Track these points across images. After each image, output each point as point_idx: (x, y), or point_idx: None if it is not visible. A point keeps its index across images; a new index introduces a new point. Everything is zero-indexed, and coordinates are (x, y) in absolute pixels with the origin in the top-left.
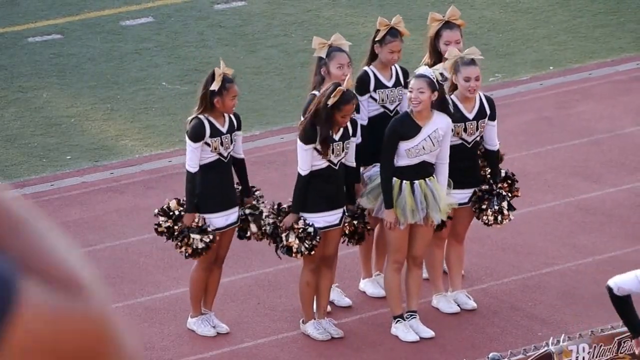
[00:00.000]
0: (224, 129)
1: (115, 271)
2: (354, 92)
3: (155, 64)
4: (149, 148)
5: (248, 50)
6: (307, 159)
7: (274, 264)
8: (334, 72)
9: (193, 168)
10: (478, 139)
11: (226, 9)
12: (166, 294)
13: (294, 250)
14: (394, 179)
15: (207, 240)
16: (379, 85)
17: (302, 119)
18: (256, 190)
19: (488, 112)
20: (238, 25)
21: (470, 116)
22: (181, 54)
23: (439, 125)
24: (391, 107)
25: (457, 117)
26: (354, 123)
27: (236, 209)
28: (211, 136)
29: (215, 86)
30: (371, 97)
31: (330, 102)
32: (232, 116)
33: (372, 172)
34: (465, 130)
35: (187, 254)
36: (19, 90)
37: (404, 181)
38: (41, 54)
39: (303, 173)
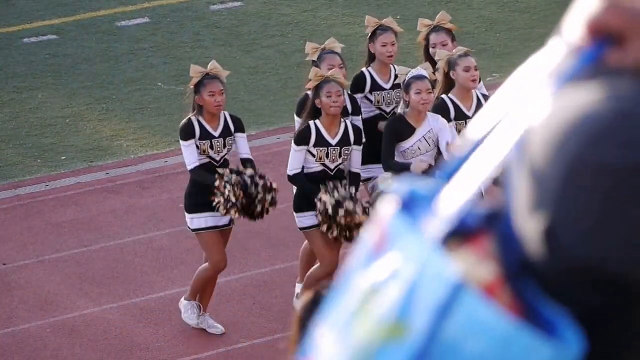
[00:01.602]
0: (216, 133)
1: (111, 272)
2: (349, 92)
3: (151, 65)
4: (145, 149)
5: (244, 50)
6: (294, 161)
7: (270, 265)
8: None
9: (191, 165)
10: None
11: (222, 9)
12: (161, 294)
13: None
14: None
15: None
16: (376, 87)
17: (296, 118)
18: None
19: None
20: (234, 25)
21: (470, 114)
22: (177, 55)
23: (433, 125)
24: (388, 110)
25: (458, 115)
26: (357, 130)
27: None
28: (200, 138)
29: (191, 84)
30: (367, 98)
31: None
32: (229, 120)
33: (376, 182)
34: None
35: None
36: (14, 90)
37: None
38: (36, 54)
39: (290, 173)
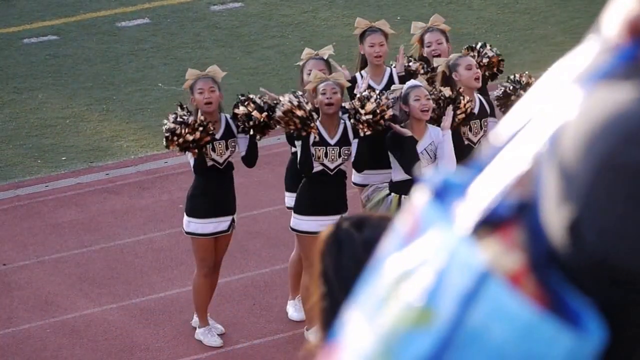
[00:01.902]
0: (218, 135)
1: (110, 272)
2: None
3: (151, 65)
4: (145, 149)
5: (244, 51)
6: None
7: (270, 265)
8: (305, 78)
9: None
10: (482, 139)
11: (222, 10)
12: (161, 295)
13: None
14: (386, 190)
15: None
16: (368, 88)
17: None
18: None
19: (488, 110)
20: (234, 26)
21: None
22: (177, 55)
23: (434, 137)
24: None
25: None
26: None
27: (229, 217)
28: None
29: (185, 86)
30: None
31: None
32: (230, 122)
33: (370, 192)
34: (470, 129)
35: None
36: (14, 91)
37: (394, 194)
38: (37, 55)
39: (299, 167)
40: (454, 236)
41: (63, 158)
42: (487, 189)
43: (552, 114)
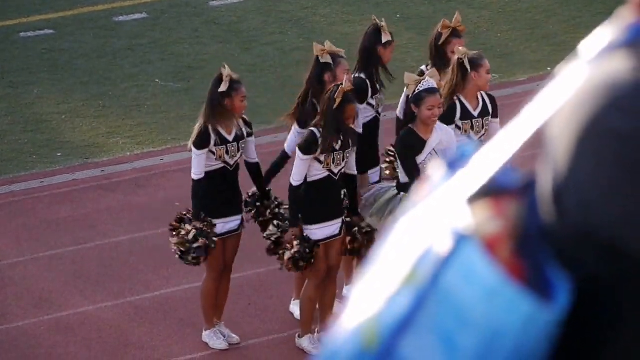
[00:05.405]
0: (231, 137)
1: (105, 270)
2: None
3: (148, 61)
4: (141, 146)
5: (243, 47)
6: (302, 170)
7: (265, 265)
8: (341, 78)
9: (197, 175)
10: (484, 138)
11: (221, 5)
12: (156, 293)
13: (289, 265)
14: (394, 189)
15: (203, 242)
16: (375, 91)
17: (296, 126)
18: (275, 199)
19: (490, 110)
20: (233, 22)
21: (476, 113)
22: (175, 51)
23: (442, 137)
24: (380, 112)
25: (463, 114)
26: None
27: (238, 216)
28: (216, 144)
29: (223, 87)
30: (368, 103)
31: (335, 104)
32: (241, 123)
33: (374, 191)
34: (472, 127)
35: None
36: (10, 85)
37: (403, 193)
38: (33, 49)
39: (295, 184)
40: (450, 200)
41: (58, 154)
42: (492, 157)
43: (560, 87)
